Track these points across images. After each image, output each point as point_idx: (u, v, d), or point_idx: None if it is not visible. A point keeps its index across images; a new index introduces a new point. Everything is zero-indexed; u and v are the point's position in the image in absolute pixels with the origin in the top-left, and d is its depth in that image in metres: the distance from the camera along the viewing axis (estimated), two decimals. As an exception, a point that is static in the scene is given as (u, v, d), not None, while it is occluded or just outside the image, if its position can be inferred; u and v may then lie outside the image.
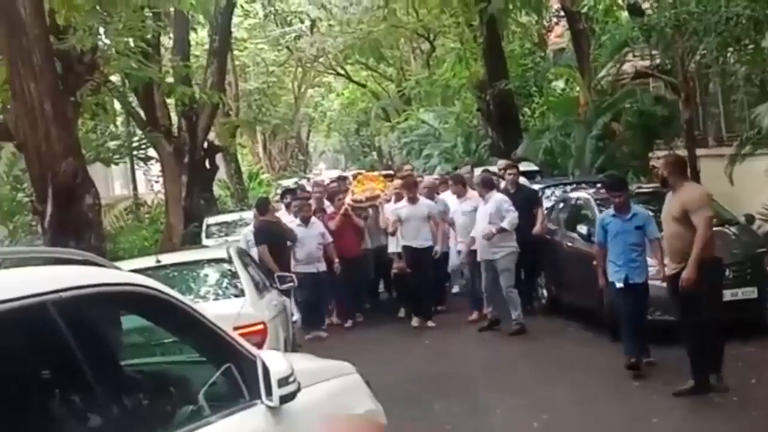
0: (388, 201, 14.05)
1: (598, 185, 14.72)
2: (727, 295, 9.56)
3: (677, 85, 18.07)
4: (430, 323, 13.04)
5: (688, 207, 8.13)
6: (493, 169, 15.11)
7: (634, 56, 21.33)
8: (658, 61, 19.96)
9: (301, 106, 49.51)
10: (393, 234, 13.41)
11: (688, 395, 8.14)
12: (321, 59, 41.55)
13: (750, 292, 10.03)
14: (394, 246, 13.54)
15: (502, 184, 13.34)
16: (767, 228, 11.92)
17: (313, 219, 13.48)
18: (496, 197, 12.23)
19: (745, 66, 15.89)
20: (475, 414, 8.58)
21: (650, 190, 13.27)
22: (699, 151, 17.45)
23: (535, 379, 9.67)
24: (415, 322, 13.13)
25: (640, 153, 18.82)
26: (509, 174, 13.38)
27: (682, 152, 18.14)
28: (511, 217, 11.95)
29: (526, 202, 12.80)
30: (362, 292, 14.70)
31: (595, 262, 9.69)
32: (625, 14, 20.98)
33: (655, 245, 9.15)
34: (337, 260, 13.39)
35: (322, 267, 13.31)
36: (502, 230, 11.89)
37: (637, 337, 9.20)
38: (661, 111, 19.01)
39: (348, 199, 14.41)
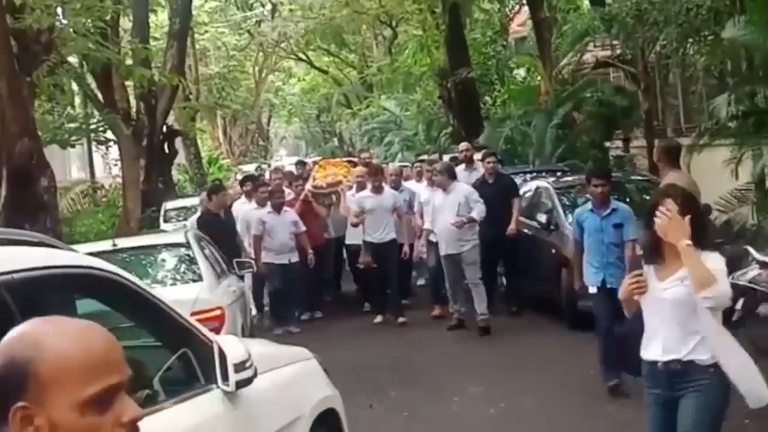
0: (351, 188, 13.33)
1: (558, 174, 14.81)
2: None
3: (637, 75, 18.20)
4: (401, 319, 12.31)
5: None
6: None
7: (595, 46, 21.42)
8: (618, 51, 20.08)
9: (262, 91, 49.25)
10: (356, 225, 12.57)
11: None
12: (282, 44, 41.33)
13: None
14: (355, 237, 12.85)
15: (480, 172, 12.76)
16: (724, 219, 12.00)
17: (286, 206, 12.60)
18: (463, 188, 11.52)
19: (704, 57, 16.01)
20: (432, 401, 8.58)
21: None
22: (657, 142, 17.56)
23: (494, 368, 9.70)
24: (378, 318, 12.51)
25: (600, 142, 18.92)
26: (487, 162, 12.57)
27: (641, 142, 18.33)
28: (480, 209, 11.26)
29: (504, 192, 12.17)
30: (323, 285, 13.95)
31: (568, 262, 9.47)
32: (586, 4, 21.08)
33: (627, 247, 8.31)
34: (310, 251, 12.54)
35: (295, 258, 12.40)
36: (472, 221, 11.21)
37: (613, 356, 7.84)
38: (620, 101, 19.12)
39: (309, 185, 13.78)
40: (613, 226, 8.36)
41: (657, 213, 4.51)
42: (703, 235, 4.63)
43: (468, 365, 9.95)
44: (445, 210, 11.34)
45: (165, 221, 18.96)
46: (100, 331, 1.81)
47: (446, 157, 15.73)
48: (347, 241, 13.43)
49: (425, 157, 16.62)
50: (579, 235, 8.56)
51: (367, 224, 12.36)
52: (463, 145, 14.35)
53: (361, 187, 12.99)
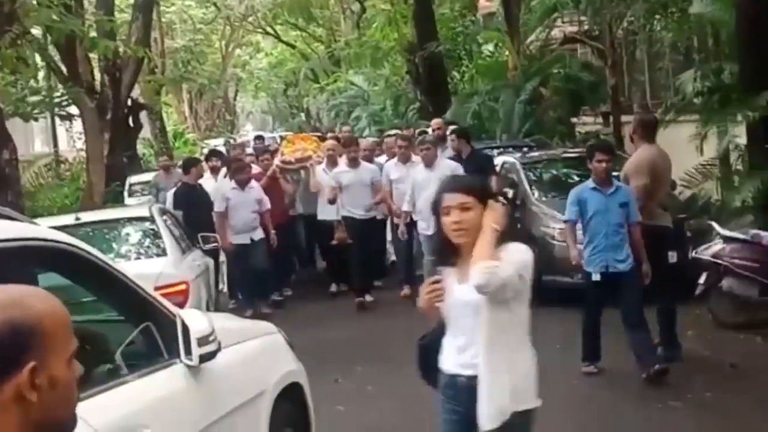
0: (321, 163, 12.78)
1: (525, 149, 14.82)
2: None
3: (604, 51, 18.25)
4: (368, 297, 11.81)
5: (628, 173, 8.14)
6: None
7: (563, 22, 21.45)
8: (586, 27, 20.13)
9: (229, 65, 48.93)
10: (332, 202, 11.90)
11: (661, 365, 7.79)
12: (250, 18, 41.03)
13: (670, 257, 10.15)
14: (327, 213, 12.21)
15: (449, 149, 12.36)
16: (688, 194, 12.08)
17: (252, 183, 11.75)
18: (447, 163, 10.89)
19: (671, 33, 16.09)
20: (397, 375, 8.58)
21: (576, 155, 13.41)
22: (624, 118, 17.63)
23: None
24: (333, 287, 12.45)
25: (567, 118, 18.98)
26: (450, 139, 12.26)
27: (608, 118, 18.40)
28: None
29: (479, 170, 11.31)
30: (290, 264, 13.48)
31: (563, 240, 9.09)
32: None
33: (634, 231, 7.79)
34: (273, 231, 11.76)
35: (257, 236, 11.56)
36: None
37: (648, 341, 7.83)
38: (588, 77, 19.18)
39: (277, 160, 13.18)
40: (619, 205, 7.74)
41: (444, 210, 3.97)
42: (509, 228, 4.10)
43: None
44: (429, 187, 9.86)
45: (129, 195, 18.83)
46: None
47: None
48: (319, 217, 12.67)
49: (393, 132, 15.92)
50: (575, 215, 7.91)
51: (346, 200, 11.82)
52: (435, 122, 13.82)
53: (331, 161, 12.54)
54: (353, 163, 11.95)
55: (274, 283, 12.30)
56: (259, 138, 19.37)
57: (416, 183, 10.85)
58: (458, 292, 3.96)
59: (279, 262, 12.36)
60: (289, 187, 12.90)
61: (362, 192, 11.83)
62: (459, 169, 10.58)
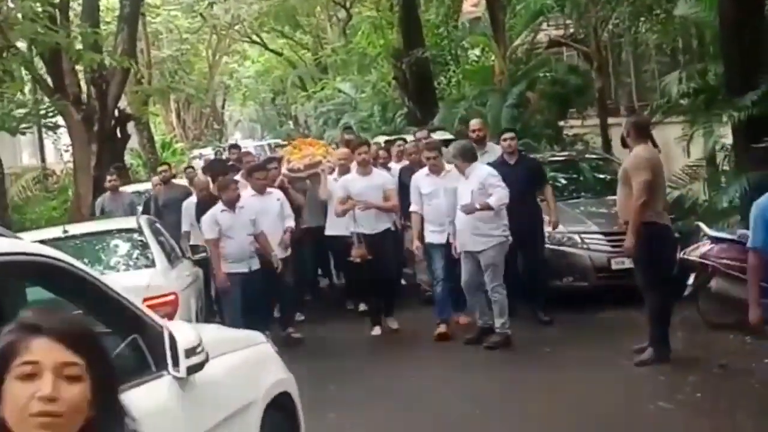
0: (333, 171, 11.57)
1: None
2: (625, 262, 9.72)
3: (590, 54, 18.28)
4: (391, 322, 10.57)
5: (629, 170, 8.19)
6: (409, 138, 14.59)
7: (549, 25, 21.49)
8: (572, 30, 20.17)
9: (216, 74, 48.86)
10: (343, 215, 10.53)
11: (650, 364, 8.08)
12: (236, 27, 41.00)
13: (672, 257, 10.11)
14: (339, 227, 10.86)
15: (495, 154, 10.79)
16: (676, 195, 12.11)
17: (242, 202, 10.05)
18: (480, 171, 9.48)
19: (656, 35, 16.14)
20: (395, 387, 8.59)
21: (563, 158, 13.45)
22: (611, 120, 17.68)
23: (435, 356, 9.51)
24: (376, 330, 10.54)
25: (554, 121, 19.00)
26: (504, 140, 10.56)
27: (594, 121, 18.43)
28: (500, 194, 9.21)
29: (529, 176, 10.22)
30: (303, 284, 11.97)
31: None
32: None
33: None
34: (274, 252, 10.14)
35: (255, 264, 9.94)
36: (488, 208, 9.15)
37: None
38: (574, 80, 19.20)
39: (284, 169, 11.76)
40: None
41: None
42: None
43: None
44: (462, 200, 9.37)
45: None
46: None
47: (436, 135, 14.52)
48: (328, 232, 11.38)
49: (412, 135, 14.59)
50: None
51: (356, 213, 10.39)
52: (475, 123, 12.13)
53: (344, 170, 11.26)
54: (364, 168, 10.56)
55: (292, 306, 11.05)
56: (234, 147, 17.57)
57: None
58: None
59: (289, 285, 10.80)
60: (299, 198, 11.49)
61: (375, 202, 10.43)
62: (492, 176, 9.40)
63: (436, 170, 9.92)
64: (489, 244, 9.26)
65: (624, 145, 8.57)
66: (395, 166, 11.98)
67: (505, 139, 10.51)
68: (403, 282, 11.92)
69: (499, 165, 10.14)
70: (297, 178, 11.76)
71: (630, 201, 8.13)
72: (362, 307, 11.27)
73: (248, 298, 9.71)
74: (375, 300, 10.70)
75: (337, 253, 11.63)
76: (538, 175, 10.48)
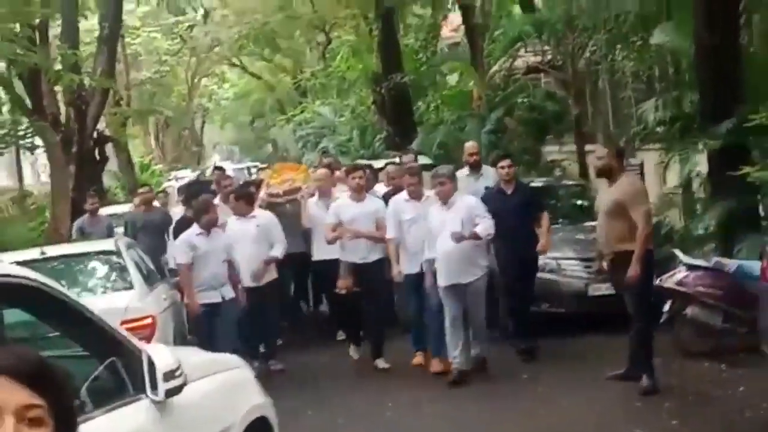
0: (312, 195, 11.13)
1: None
2: (602, 289, 9.77)
3: (567, 81, 18.44)
4: (380, 363, 9.92)
5: (626, 201, 8.13)
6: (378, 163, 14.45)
7: (527, 52, 21.63)
8: (549, 57, 20.32)
9: (195, 96, 48.86)
10: (333, 242, 10.03)
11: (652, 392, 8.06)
12: (215, 49, 41.03)
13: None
14: (327, 252, 10.28)
15: (489, 179, 10.65)
16: (653, 222, 12.20)
17: (216, 228, 9.53)
18: (467, 200, 9.22)
19: (632, 63, 16.29)
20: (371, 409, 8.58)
21: (541, 184, 13.52)
22: (587, 146, 17.80)
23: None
24: (353, 352, 10.35)
25: (532, 147, 19.11)
26: (502, 167, 10.01)
27: (571, 147, 18.56)
28: (487, 224, 8.93)
29: (526, 205, 9.85)
30: (282, 310, 11.17)
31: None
32: (518, 10, 21.28)
33: None
34: (241, 285, 9.53)
35: (229, 293, 9.30)
36: (477, 237, 8.88)
37: None
38: (551, 106, 19.35)
39: (263, 193, 11.48)
40: None
41: None
42: None
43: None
44: (445, 229, 8.94)
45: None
46: None
47: (379, 163, 14.31)
48: (316, 257, 10.88)
49: (392, 159, 14.17)
50: None
51: (345, 241, 9.94)
52: (471, 146, 11.94)
53: (324, 193, 10.93)
54: (358, 194, 10.03)
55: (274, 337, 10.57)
56: (218, 169, 16.07)
57: (431, 225, 9.15)
58: None
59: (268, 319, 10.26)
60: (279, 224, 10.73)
61: (365, 230, 9.93)
62: (479, 207, 9.17)
63: (417, 196, 9.54)
64: (479, 275, 8.98)
65: (602, 175, 8.50)
66: (379, 189, 11.58)
67: (502, 167, 10.00)
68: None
69: (495, 193, 9.98)
70: (276, 203, 11.33)
71: (620, 232, 8.13)
72: (340, 335, 11.04)
73: (220, 329, 9.05)
74: (358, 331, 10.39)
75: (324, 279, 10.97)
76: (535, 203, 10.07)
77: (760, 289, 7.40)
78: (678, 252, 9.73)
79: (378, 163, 13.35)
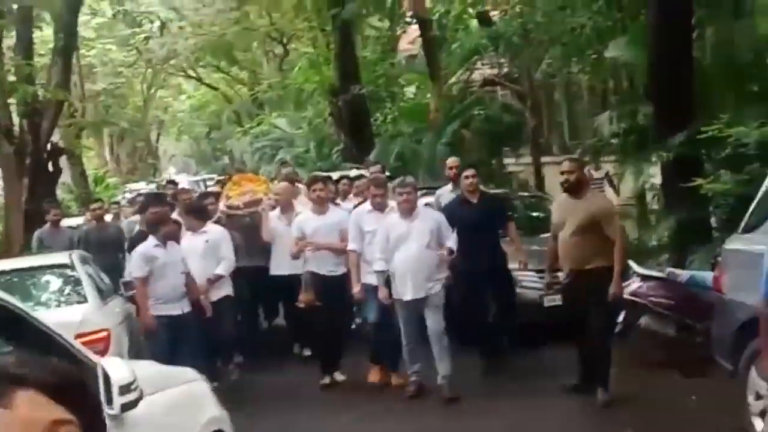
0: (274, 208, 10.90)
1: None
2: (556, 300, 9.82)
3: (524, 93, 18.60)
4: (338, 375, 9.77)
5: (603, 216, 8.06)
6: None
7: (483, 64, 21.82)
8: (506, 69, 20.49)
9: (151, 108, 48.56)
10: (297, 257, 9.85)
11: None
12: (172, 61, 40.84)
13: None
14: (286, 267, 10.17)
15: (447, 190, 10.59)
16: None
17: (171, 241, 9.32)
18: (431, 213, 9.28)
19: (587, 76, 16.48)
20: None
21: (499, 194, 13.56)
22: (544, 158, 17.97)
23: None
24: (325, 380, 9.71)
25: (489, 159, 19.24)
26: (467, 177, 9.77)
27: (527, 159, 18.72)
28: (454, 238, 8.94)
29: (491, 215, 9.65)
30: (241, 326, 10.73)
31: None
32: (475, 23, 21.44)
33: None
34: (203, 296, 9.45)
35: (187, 307, 9.13)
36: (451, 253, 8.84)
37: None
38: (508, 119, 19.48)
39: (222, 205, 11.11)
40: None
41: None
42: None
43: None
44: (409, 240, 8.72)
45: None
46: None
47: (335, 175, 13.62)
48: (274, 272, 10.68)
49: (355, 172, 13.86)
50: None
51: (310, 253, 9.74)
52: (452, 160, 11.83)
53: (286, 206, 10.79)
54: (321, 206, 9.86)
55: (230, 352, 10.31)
56: (171, 183, 16.29)
57: (394, 237, 8.80)
58: None
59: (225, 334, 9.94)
60: (237, 237, 10.53)
61: (329, 242, 9.74)
62: (445, 220, 9.07)
63: (381, 207, 9.29)
64: (438, 288, 8.77)
65: (571, 189, 8.20)
66: (346, 205, 11.00)
67: (467, 177, 9.75)
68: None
69: (460, 204, 9.80)
70: (236, 216, 11.03)
71: (595, 248, 8.01)
72: (306, 352, 10.84)
73: (180, 344, 8.78)
74: (324, 349, 10.00)
75: (283, 294, 10.79)
76: (501, 214, 9.93)
77: (713, 299, 7.49)
78: (632, 263, 9.82)
79: (334, 175, 13.02)
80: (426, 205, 10.16)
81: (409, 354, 8.93)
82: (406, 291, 8.67)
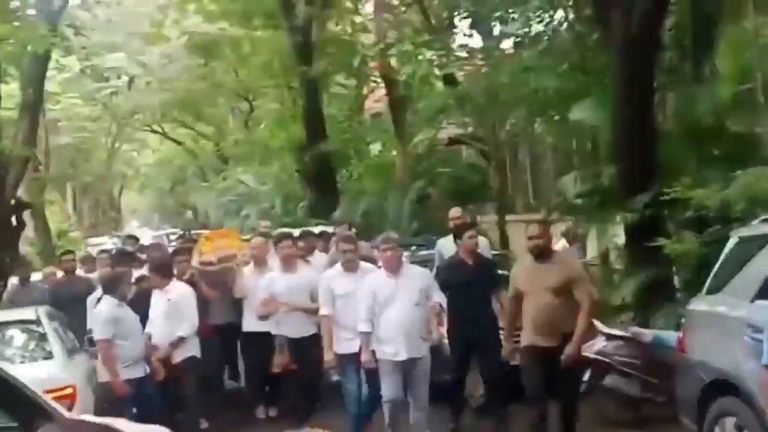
0: (248, 263, 10.67)
1: (413, 248, 14.92)
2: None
3: (489, 152, 18.81)
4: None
5: (573, 279, 7.89)
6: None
7: (449, 123, 22.05)
8: (471, 128, 20.72)
9: (115, 162, 48.46)
10: (265, 318, 9.66)
11: None
12: (137, 116, 40.86)
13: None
14: (259, 324, 9.83)
15: (449, 242, 10.13)
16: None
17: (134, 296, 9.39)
18: (416, 269, 8.71)
19: (551, 137, 16.70)
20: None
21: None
22: (508, 217, 18.12)
23: None
24: None
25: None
26: (469, 237, 9.27)
27: (492, 217, 18.87)
28: (442, 296, 8.66)
29: (485, 277, 9.18)
30: (208, 387, 10.13)
31: None
32: (440, 84, 21.70)
33: None
34: (155, 358, 9.16)
35: (147, 367, 9.05)
36: (441, 308, 8.61)
37: None
38: (473, 177, 19.66)
39: (195, 261, 10.81)
40: None
41: None
42: None
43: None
44: (398, 299, 8.25)
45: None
46: None
47: (296, 232, 12.96)
48: (246, 329, 10.38)
49: (319, 228, 13.66)
50: None
51: (280, 315, 9.52)
52: (455, 211, 11.49)
53: (259, 262, 10.50)
54: (290, 269, 9.67)
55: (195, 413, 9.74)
56: (131, 238, 15.99)
57: (382, 297, 8.27)
58: None
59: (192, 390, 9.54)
60: (212, 294, 10.37)
61: (299, 303, 9.47)
62: (428, 274, 8.81)
63: (353, 267, 8.76)
64: (424, 350, 8.32)
65: (541, 253, 7.98)
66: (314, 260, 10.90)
67: (471, 237, 9.24)
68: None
69: (457, 264, 9.30)
70: (209, 272, 10.64)
71: (569, 312, 7.86)
72: (272, 412, 10.40)
73: (146, 406, 8.57)
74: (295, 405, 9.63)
75: (252, 352, 10.41)
76: (494, 278, 9.31)
77: (677, 359, 7.57)
78: (597, 322, 9.87)
79: (295, 232, 12.38)
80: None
81: (392, 421, 8.38)
82: (400, 350, 8.15)
